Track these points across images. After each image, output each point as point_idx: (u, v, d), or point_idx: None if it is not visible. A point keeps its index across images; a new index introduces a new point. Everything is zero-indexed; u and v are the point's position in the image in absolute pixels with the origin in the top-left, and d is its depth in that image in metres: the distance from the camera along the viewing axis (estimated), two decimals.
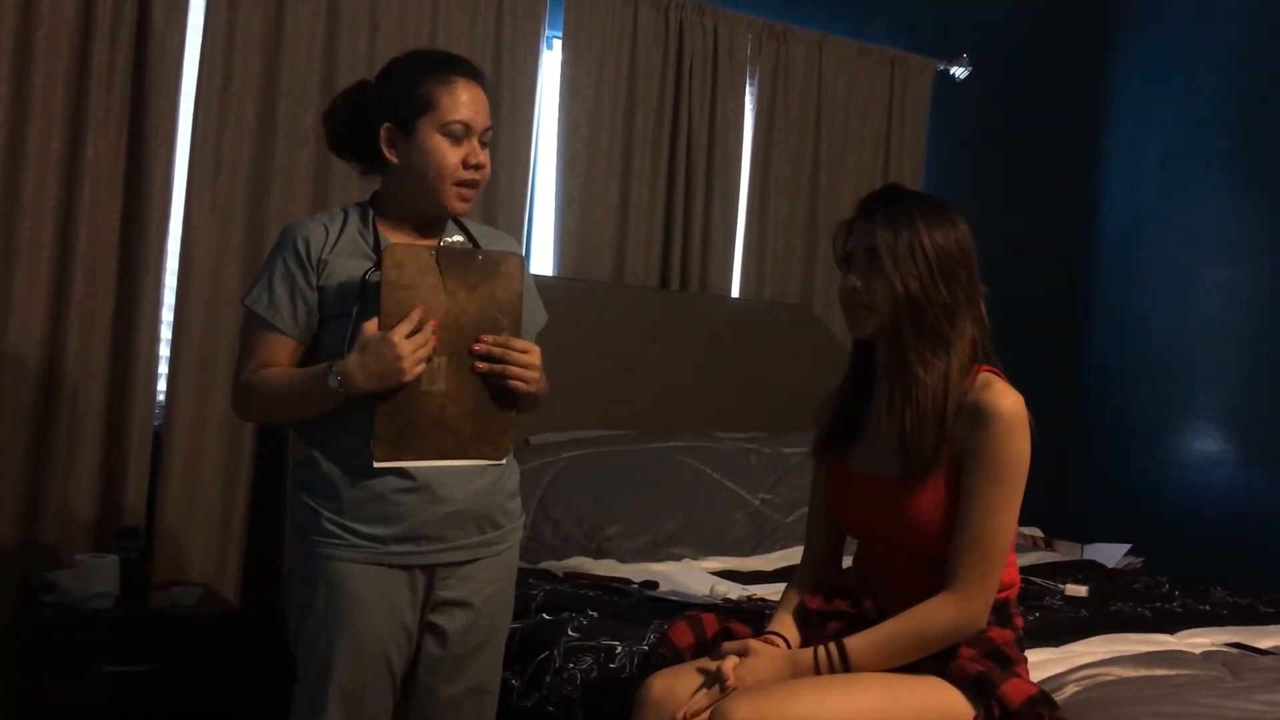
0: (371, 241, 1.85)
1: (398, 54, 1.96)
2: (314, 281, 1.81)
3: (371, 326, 1.71)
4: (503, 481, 1.90)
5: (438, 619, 1.85)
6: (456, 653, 1.87)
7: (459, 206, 1.86)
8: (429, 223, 1.90)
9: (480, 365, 1.76)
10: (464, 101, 1.82)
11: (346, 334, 1.77)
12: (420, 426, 1.74)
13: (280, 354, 1.82)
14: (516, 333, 1.80)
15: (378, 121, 1.84)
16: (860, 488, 1.80)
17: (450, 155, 1.81)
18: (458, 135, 1.82)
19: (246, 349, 1.85)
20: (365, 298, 1.78)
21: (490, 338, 1.77)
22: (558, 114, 3.51)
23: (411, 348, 1.68)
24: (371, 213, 1.89)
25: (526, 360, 1.78)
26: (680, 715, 1.64)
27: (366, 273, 1.80)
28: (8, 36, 2.74)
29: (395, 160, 1.84)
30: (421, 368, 1.70)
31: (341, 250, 1.83)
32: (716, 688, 1.65)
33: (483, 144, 1.86)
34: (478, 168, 1.84)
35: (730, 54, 3.74)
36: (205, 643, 2.67)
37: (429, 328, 1.71)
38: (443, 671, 1.87)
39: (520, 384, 1.79)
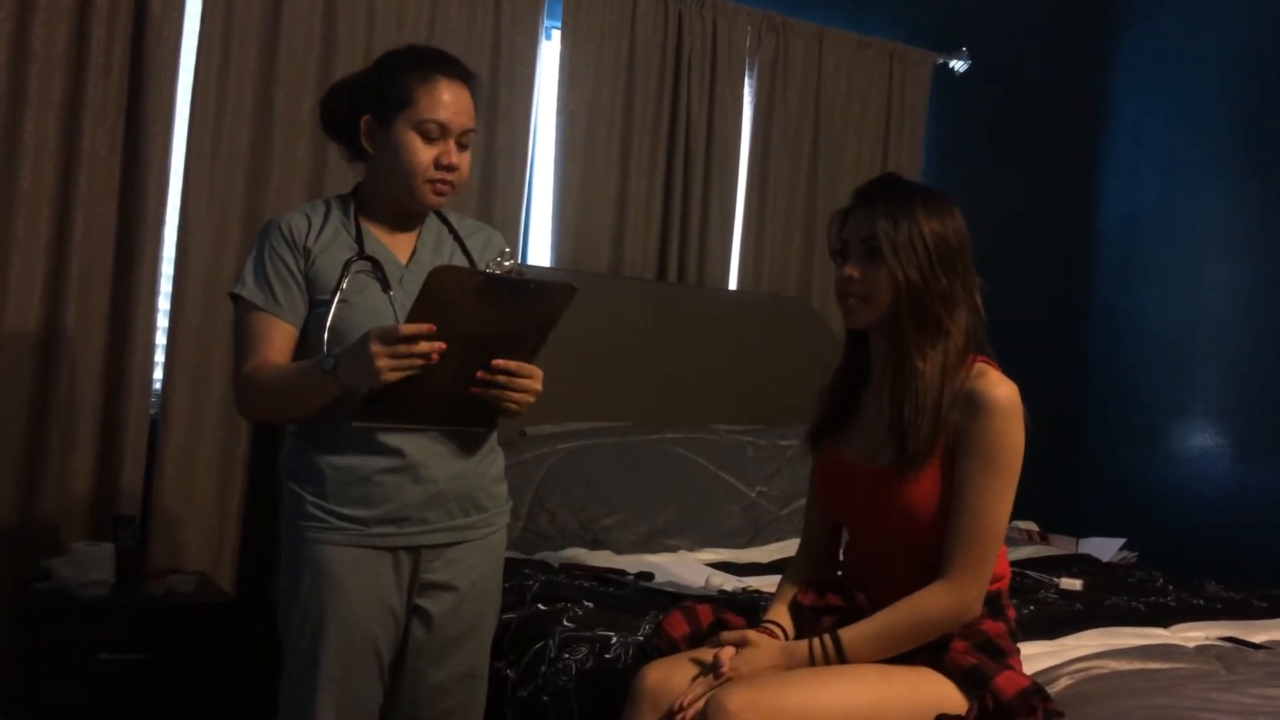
0: (354, 232, 1.86)
1: (395, 46, 1.96)
2: (302, 266, 1.82)
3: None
4: (486, 464, 1.91)
5: (423, 603, 1.86)
6: (444, 637, 1.88)
7: (434, 200, 1.86)
8: (408, 215, 1.91)
9: (475, 390, 1.73)
10: (444, 102, 1.82)
11: (326, 319, 1.78)
12: (409, 399, 1.70)
13: (279, 340, 1.82)
14: (539, 348, 1.76)
15: (360, 112, 1.85)
16: (853, 476, 1.80)
17: (423, 154, 1.81)
18: (432, 135, 1.81)
19: (245, 341, 1.83)
20: (345, 285, 1.79)
21: (501, 363, 1.72)
22: (556, 105, 3.50)
23: (389, 362, 1.60)
24: (353, 204, 1.90)
25: (528, 385, 1.76)
26: (678, 705, 1.64)
27: (348, 260, 1.81)
28: (5, 23, 2.73)
29: (372, 152, 1.85)
30: (398, 376, 1.63)
31: (325, 241, 1.84)
32: (712, 677, 1.66)
33: (461, 146, 1.85)
34: (450, 169, 1.83)
35: (729, 45, 3.73)
36: (201, 631, 2.67)
37: (426, 347, 1.61)
38: (430, 656, 1.88)
39: (513, 406, 1.77)
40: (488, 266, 1.81)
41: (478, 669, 1.95)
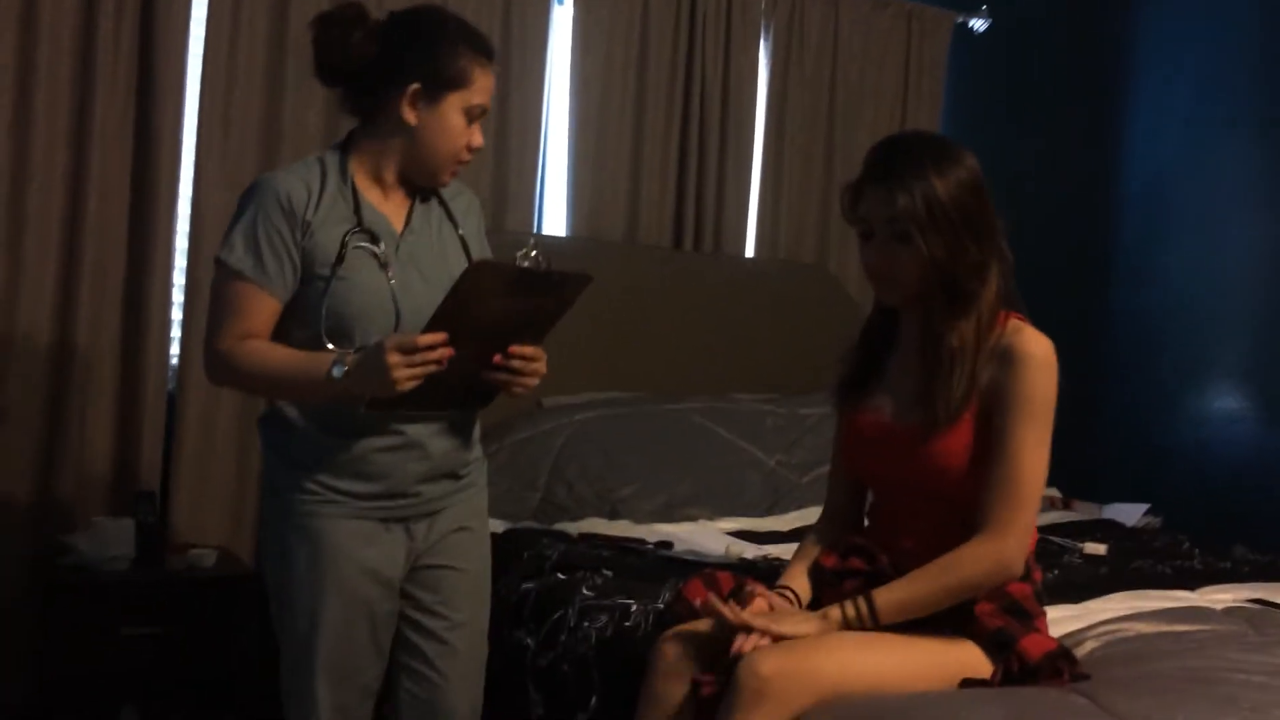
0: (352, 204, 1.80)
1: (431, 7, 1.86)
2: (299, 239, 1.76)
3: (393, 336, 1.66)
4: (474, 437, 1.95)
5: (419, 563, 1.88)
6: (442, 594, 1.89)
7: (448, 181, 1.87)
8: (409, 184, 1.87)
9: (488, 375, 1.74)
10: (487, 86, 1.82)
11: (323, 297, 1.75)
12: (419, 390, 1.67)
13: (264, 314, 1.77)
14: (547, 332, 1.77)
15: (405, 77, 1.77)
16: (883, 434, 1.79)
17: (463, 137, 1.81)
18: (474, 118, 1.81)
19: (226, 310, 1.77)
20: (344, 260, 1.76)
21: (516, 349, 1.72)
22: (569, 72, 3.46)
23: (406, 372, 1.60)
24: (350, 172, 1.83)
25: (537, 369, 1.77)
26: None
27: (346, 234, 1.77)
28: (14, 2, 2.71)
29: (413, 122, 1.78)
30: (414, 385, 1.63)
31: (324, 212, 1.78)
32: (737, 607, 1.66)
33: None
34: (475, 151, 1.85)
35: (744, 9, 3.68)
36: (222, 604, 2.68)
37: (441, 353, 1.62)
38: (432, 613, 1.89)
39: (520, 390, 1.78)
40: (516, 258, 1.78)
41: (479, 620, 1.96)
